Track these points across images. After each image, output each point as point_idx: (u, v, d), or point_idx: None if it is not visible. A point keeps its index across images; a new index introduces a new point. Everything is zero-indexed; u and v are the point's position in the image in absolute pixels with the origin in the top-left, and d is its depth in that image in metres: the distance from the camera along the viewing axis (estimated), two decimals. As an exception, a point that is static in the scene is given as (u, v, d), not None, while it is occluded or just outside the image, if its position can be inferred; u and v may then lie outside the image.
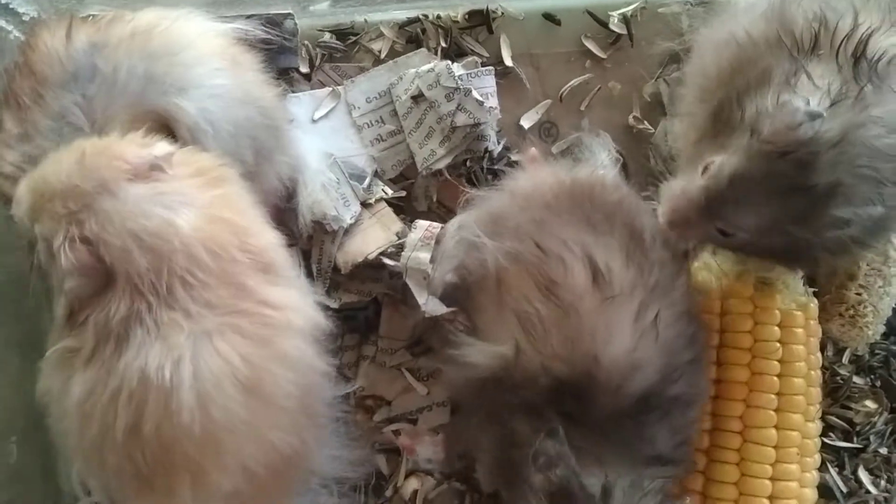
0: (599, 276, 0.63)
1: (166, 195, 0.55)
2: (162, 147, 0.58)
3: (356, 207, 0.78)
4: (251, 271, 0.57)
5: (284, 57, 0.81)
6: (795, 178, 0.58)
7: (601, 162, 0.78)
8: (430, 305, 0.75)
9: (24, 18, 0.73)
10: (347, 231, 0.78)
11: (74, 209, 0.53)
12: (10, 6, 0.72)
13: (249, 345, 0.55)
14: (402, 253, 0.76)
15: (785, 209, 0.60)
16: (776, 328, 0.74)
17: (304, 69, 0.84)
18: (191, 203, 0.56)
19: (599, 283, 0.62)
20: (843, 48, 0.60)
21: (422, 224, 0.77)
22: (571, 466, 0.57)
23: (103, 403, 0.52)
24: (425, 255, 0.75)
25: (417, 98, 0.79)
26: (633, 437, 0.62)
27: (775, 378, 0.73)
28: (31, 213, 0.56)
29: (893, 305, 0.82)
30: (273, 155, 0.73)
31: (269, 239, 0.61)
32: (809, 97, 0.58)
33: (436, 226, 0.76)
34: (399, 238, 0.78)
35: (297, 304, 0.60)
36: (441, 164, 0.79)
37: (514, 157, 0.83)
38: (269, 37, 0.79)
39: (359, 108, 0.82)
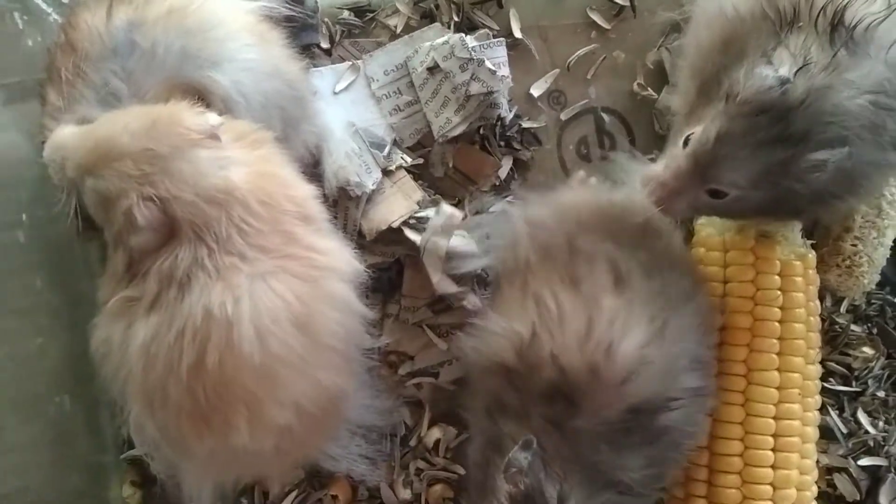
0: (621, 280, 0.66)
1: (222, 157, 0.60)
2: (215, 117, 0.62)
3: (377, 174, 0.82)
4: (297, 220, 0.62)
5: (306, 33, 0.84)
6: (774, 130, 0.62)
7: (634, 185, 0.79)
8: (443, 285, 0.80)
9: (63, 0, 0.76)
10: (370, 199, 0.82)
11: (149, 171, 0.58)
12: None
13: (300, 285, 0.59)
14: (422, 235, 0.79)
15: (771, 158, 0.63)
16: (776, 277, 0.76)
17: (325, 45, 0.86)
18: (240, 162, 0.61)
19: (621, 285, 0.66)
20: (821, 17, 0.63)
21: (445, 211, 0.80)
22: (539, 479, 0.59)
23: (169, 343, 0.56)
24: (444, 242, 0.79)
25: (433, 69, 0.83)
26: (606, 457, 0.63)
27: (776, 324, 0.76)
28: (85, 169, 0.60)
29: (888, 256, 0.85)
30: (300, 124, 0.77)
31: (308, 190, 0.66)
32: (782, 66, 0.61)
33: (458, 215, 0.81)
34: (420, 207, 0.82)
35: (339, 251, 0.65)
36: (456, 132, 0.83)
37: (524, 125, 0.86)
38: (293, 14, 0.81)
39: (377, 80, 0.85)
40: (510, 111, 0.85)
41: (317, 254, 0.62)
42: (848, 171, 0.64)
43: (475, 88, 0.81)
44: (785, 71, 0.61)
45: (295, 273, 0.60)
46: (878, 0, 0.63)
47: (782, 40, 0.64)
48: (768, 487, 0.74)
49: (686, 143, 0.68)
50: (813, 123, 0.62)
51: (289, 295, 0.58)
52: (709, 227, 0.83)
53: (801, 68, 0.61)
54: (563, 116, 0.88)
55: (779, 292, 0.76)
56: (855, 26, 0.62)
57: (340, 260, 0.65)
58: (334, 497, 0.80)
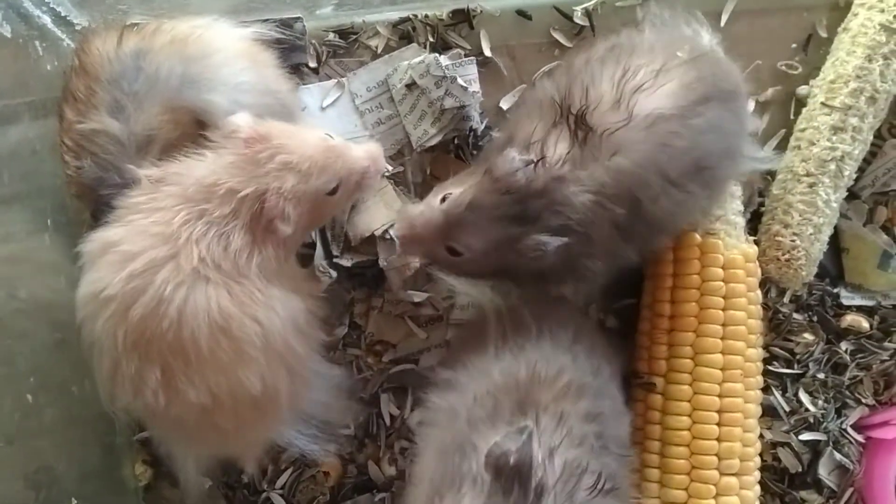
0: None
1: None
2: None
3: None
4: None
5: (295, 54, 0.90)
6: (513, 209, 0.69)
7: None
8: (405, 295, 0.90)
9: (76, 28, 0.82)
10: (354, 207, 0.88)
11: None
12: (68, 18, 0.81)
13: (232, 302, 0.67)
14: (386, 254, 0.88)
15: (505, 233, 0.70)
16: (720, 270, 0.83)
17: (313, 64, 0.92)
18: None
19: None
20: (570, 116, 0.71)
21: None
22: (530, 458, 0.58)
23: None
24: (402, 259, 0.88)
25: (411, 86, 0.89)
26: None
27: (720, 312, 0.82)
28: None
29: (824, 250, 0.90)
30: None
31: None
32: (536, 154, 0.69)
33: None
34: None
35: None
36: (433, 142, 0.89)
37: (494, 135, 0.91)
38: (283, 37, 0.88)
39: (360, 96, 0.92)
40: (482, 123, 0.91)
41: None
42: (566, 259, 0.71)
43: (449, 103, 0.87)
44: (529, 156, 0.69)
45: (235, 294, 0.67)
46: (621, 110, 0.70)
47: (551, 131, 0.71)
48: (714, 458, 0.80)
49: (443, 200, 0.74)
50: (544, 210, 0.69)
51: (220, 303, 0.66)
52: None
53: (541, 159, 0.69)
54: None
55: (722, 283, 0.83)
56: (592, 130, 0.69)
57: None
58: (325, 473, 0.87)
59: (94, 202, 0.76)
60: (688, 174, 0.72)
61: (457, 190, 0.74)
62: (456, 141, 0.91)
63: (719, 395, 0.82)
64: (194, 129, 0.77)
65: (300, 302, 0.73)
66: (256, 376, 0.68)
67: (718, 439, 0.81)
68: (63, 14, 0.81)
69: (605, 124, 0.70)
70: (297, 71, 0.91)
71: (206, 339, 0.65)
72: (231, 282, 0.67)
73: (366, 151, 0.76)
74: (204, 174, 0.69)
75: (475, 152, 0.92)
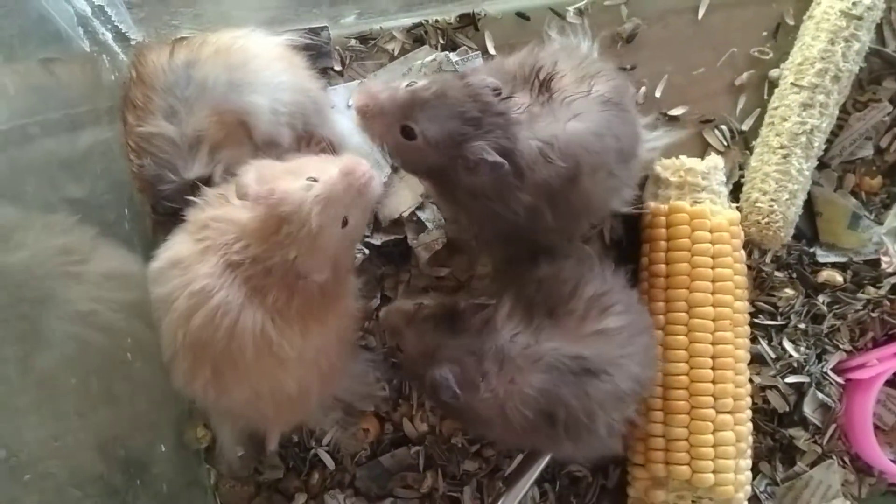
0: None
1: None
2: None
3: (387, 169, 0.96)
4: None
5: (322, 59, 0.98)
6: (471, 113, 0.75)
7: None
8: (431, 270, 0.98)
9: (132, 43, 0.91)
10: (384, 192, 0.95)
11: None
12: (126, 34, 0.90)
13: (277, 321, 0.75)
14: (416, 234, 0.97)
15: (458, 130, 0.75)
16: (708, 233, 0.92)
17: (338, 67, 1.00)
18: None
19: None
20: (535, 79, 0.79)
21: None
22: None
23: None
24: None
25: None
26: None
27: (710, 270, 0.91)
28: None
29: (800, 214, 0.99)
30: (317, 129, 0.92)
31: None
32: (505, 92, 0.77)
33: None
34: (423, 197, 0.97)
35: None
36: None
37: None
38: (311, 43, 0.95)
39: None
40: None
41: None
42: (498, 185, 0.76)
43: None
44: (505, 93, 0.77)
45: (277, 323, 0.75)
46: (584, 85, 0.78)
47: (520, 87, 0.80)
48: (710, 398, 0.89)
49: (409, 85, 0.79)
50: (497, 128, 0.75)
51: (264, 327, 0.73)
52: (652, 202, 0.98)
53: (508, 97, 0.77)
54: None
55: (710, 245, 0.92)
56: (555, 94, 0.78)
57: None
58: (366, 431, 0.97)
59: (153, 196, 0.86)
60: (623, 157, 0.81)
61: (424, 81, 0.79)
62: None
63: (712, 343, 0.90)
64: (239, 129, 0.86)
65: (339, 323, 0.82)
66: (293, 381, 0.77)
67: (713, 381, 0.90)
68: (123, 31, 0.90)
69: (567, 92, 0.78)
70: (325, 73, 0.99)
71: (251, 352, 0.73)
72: (274, 311, 0.74)
73: (340, 170, 0.76)
74: (236, 236, 0.74)
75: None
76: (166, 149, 0.84)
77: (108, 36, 0.88)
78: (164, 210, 0.85)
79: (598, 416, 0.77)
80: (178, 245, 0.78)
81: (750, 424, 0.94)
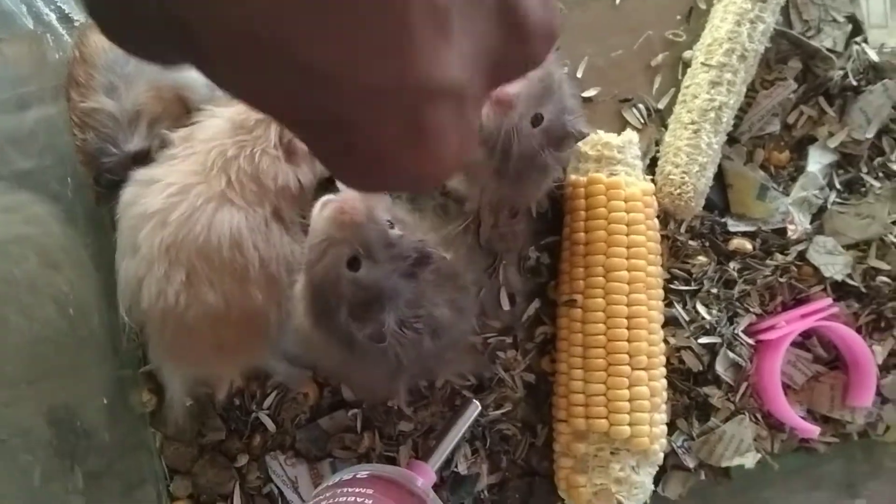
0: None
1: None
2: None
3: None
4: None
5: None
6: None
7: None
8: None
9: (75, 24, 0.96)
10: None
11: None
12: (69, 15, 0.95)
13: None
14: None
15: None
16: (623, 203, 0.98)
17: None
18: None
19: None
20: None
21: None
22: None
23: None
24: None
25: None
26: None
27: (625, 237, 0.97)
28: None
29: (710, 185, 1.05)
30: None
31: None
32: None
33: None
34: None
35: None
36: None
37: None
38: None
39: None
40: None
41: None
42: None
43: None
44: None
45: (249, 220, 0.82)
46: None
47: None
48: (625, 356, 0.95)
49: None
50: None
51: (238, 223, 0.80)
52: (575, 174, 1.04)
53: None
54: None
55: (625, 214, 0.97)
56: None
57: None
58: (305, 395, 1.01)
59: (96, 169, 0.90)
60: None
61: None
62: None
63: (627, 305, 0.96)
64: (176, 103, 0.92)
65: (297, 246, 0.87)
66: (258, 292, 0.82)
67: (628, 340, 0.96)
68: (67, 12, 0.95)
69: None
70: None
71: (226, 250, 0.79)
72: (249, 209, 0.81)
73: None
74: (236, 112, 0.82)
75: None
76: (107, 123, 0.89)
77: (53, 17, 0.93)
78: (105, 182, 0.90)
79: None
80: (156, 168, 0.84)
81: (664, 381, 0.99)
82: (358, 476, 0.79)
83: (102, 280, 0.91)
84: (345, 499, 0.72)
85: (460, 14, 0.31)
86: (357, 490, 0.75)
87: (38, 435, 0.85)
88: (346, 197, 0.74)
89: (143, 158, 0.88)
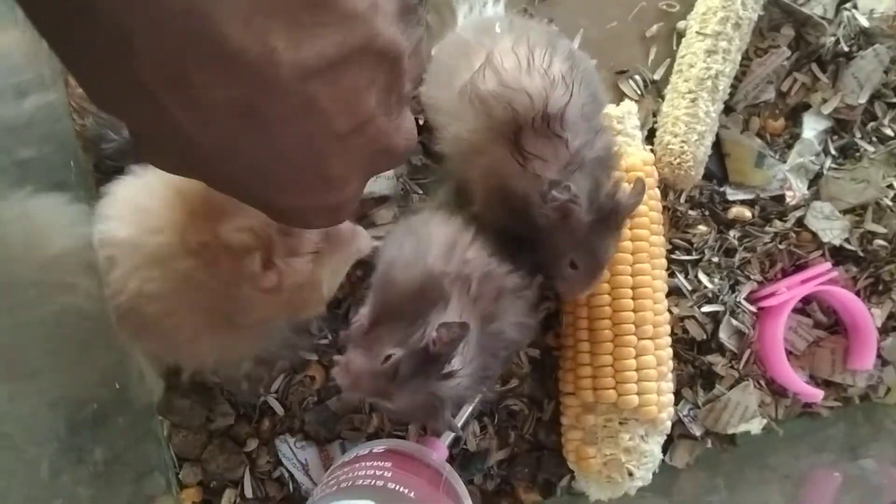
0: None
1: None
2: None
3: None
4: None
5: None
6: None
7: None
8: None
9: None
10: None
11: None
12: None
13: None
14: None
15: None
16: (623, 173, 0.97)
17: None
18: None
19: None
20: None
21: None
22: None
23: None
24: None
25: None
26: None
27: None
28: None
29: (709, 154, 1.05)
30: None
31: None
32: None
33: None
34: None
35: None
36: None
37: None
38: None
39: None
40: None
41: None
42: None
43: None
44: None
45: None
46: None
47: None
48: (631, 325, 0.95)
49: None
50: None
51: None
52: None
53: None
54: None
55: (626, 184, 0.95)
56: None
57: None
58: (311, 378, 1.01)
59: (96, 155, 0.90)
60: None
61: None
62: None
63: (631, 275, 0.97)
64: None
65: None
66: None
67: (634, 310, 0.96)
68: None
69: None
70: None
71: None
72: None
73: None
74: None
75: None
76: None
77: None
78: (106, 169, 0.89)
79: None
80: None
81: (670, 350, 1.00)
82: (374, 451, 0.79)
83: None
84: (364, 472, 0.72)
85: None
86: (375, 464, 0.75)
87: (45, 428, 0.85)
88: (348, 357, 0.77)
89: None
